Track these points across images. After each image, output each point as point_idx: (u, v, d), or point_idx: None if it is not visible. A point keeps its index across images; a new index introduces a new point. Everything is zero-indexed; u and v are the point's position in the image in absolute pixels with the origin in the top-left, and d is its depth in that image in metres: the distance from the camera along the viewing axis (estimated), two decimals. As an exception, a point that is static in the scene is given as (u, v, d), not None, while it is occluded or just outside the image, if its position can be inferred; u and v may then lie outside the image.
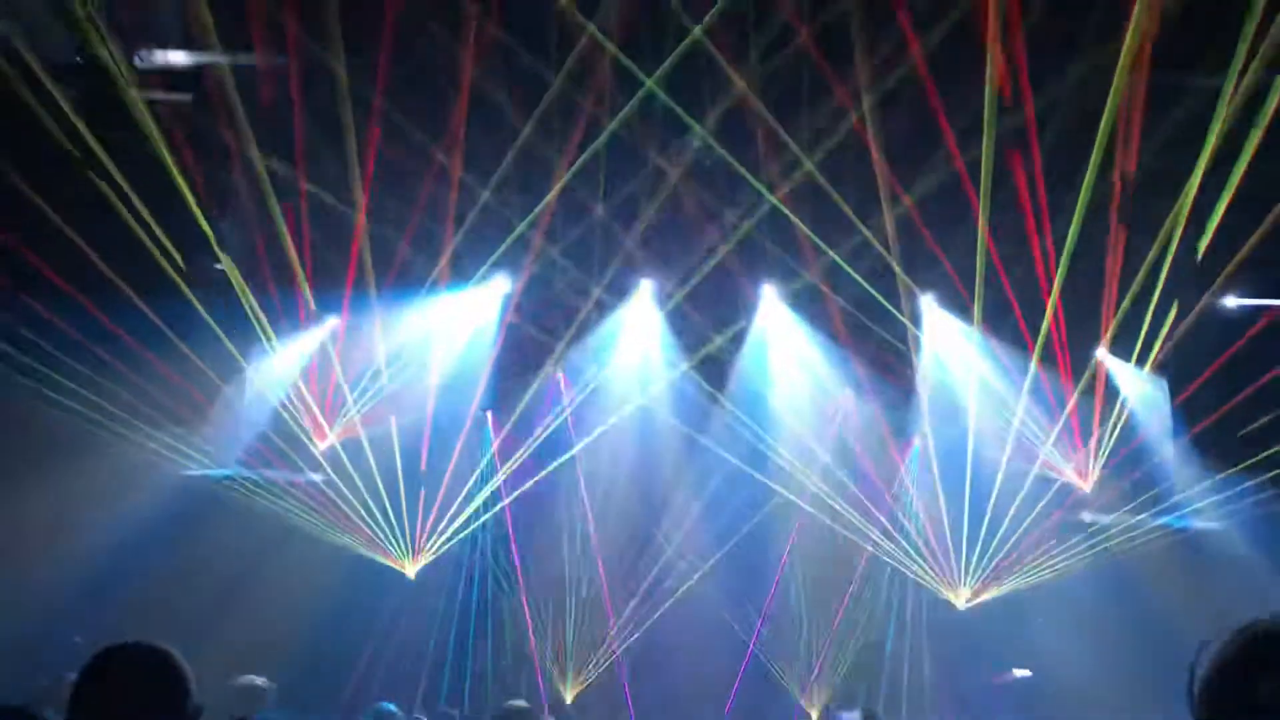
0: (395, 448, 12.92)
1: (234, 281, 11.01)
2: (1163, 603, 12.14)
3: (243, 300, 11.10)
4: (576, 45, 9.52)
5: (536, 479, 13.60)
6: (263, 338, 11.71)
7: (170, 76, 10.12)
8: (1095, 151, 9.40)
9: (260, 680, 7.12)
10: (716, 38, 9.36)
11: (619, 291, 12.86)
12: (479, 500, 13.52)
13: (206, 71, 10.11)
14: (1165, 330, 11.30)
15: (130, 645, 3.22)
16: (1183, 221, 9.86)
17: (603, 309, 12.96)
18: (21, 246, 9.59)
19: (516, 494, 13.67)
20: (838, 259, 11.42)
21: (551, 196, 10.93)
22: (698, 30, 9.25)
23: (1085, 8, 8.83)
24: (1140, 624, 12.13)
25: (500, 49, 9.67)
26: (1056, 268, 10.90)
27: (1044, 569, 13.17)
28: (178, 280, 10.47)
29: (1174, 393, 12.27)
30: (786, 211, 10.95)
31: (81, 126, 9.07)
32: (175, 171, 9.80)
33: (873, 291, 11.90)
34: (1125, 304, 11.17)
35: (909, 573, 13.79)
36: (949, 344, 12.77)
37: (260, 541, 12.38)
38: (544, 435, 13.56)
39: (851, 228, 11.19)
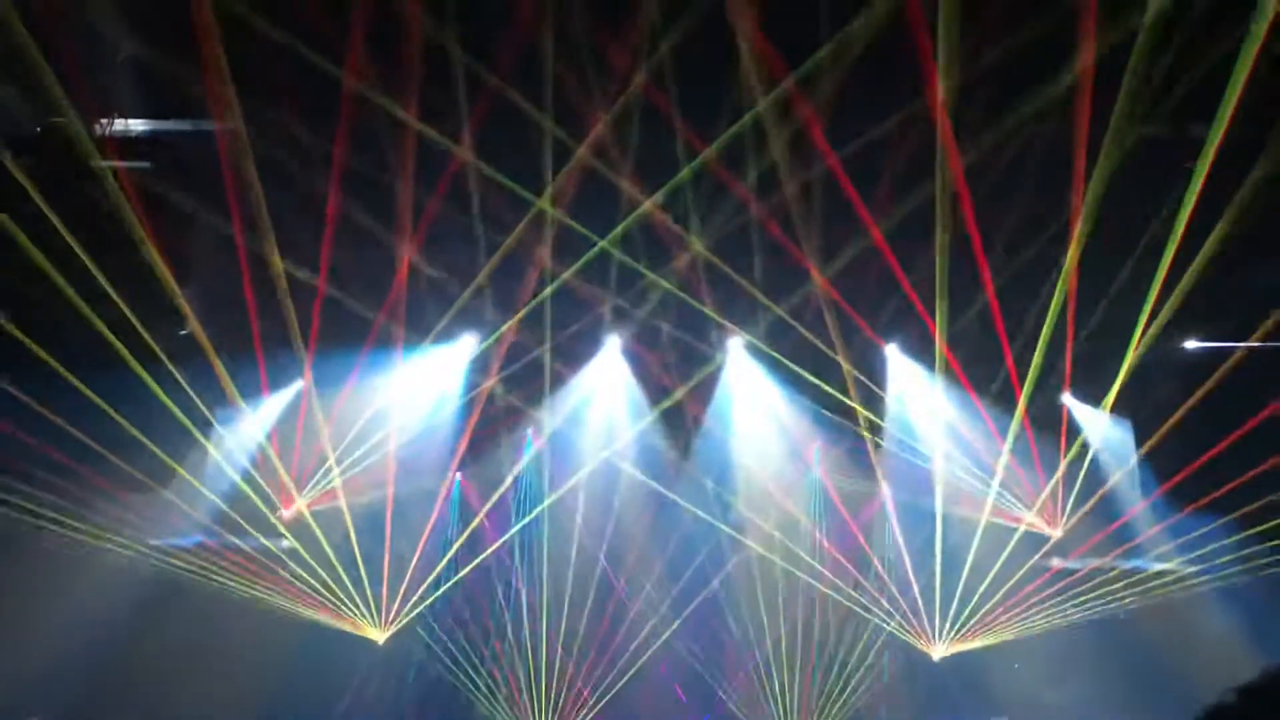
0: (349, 518, 12.81)
1: (200, 345, 10.96)
2: (1144, 650, 12.17)
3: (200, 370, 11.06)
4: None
5: (500, 542, 13.53)
6: (228, 403, 11.64)
7: (131, 144, 10.12)
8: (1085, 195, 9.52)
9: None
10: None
11: (587, 346, 12.91)
12: (445, 563, 13.42)
13: (168, 139, 10.13)
14: (1124, 374, 11.37)
15: None
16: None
17: (570, 365, 12.99)
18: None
19: (479, 560, 13.54)
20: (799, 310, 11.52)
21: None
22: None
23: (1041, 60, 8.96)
24: (1121, 670, 12.12)
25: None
26: (1004, 312, 11.03)
27: (1017, 617, 13.14)
28: (143, 345, 10.43)
29: (1138, 435, 12.34)
30: (733, 274, 11.09)
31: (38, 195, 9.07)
32: (137, 238, 9.78)
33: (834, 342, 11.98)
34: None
35: (885, 625, 13.72)
36: (913, 392, 12.83)
37: (225, 611, 12.21)
38: (513, 495, 13.53)
39: (808, 280, 11.29)
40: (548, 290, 11.41)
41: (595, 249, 10.74)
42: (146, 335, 10.57)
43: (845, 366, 12.16)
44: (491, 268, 11.15)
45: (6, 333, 9.84)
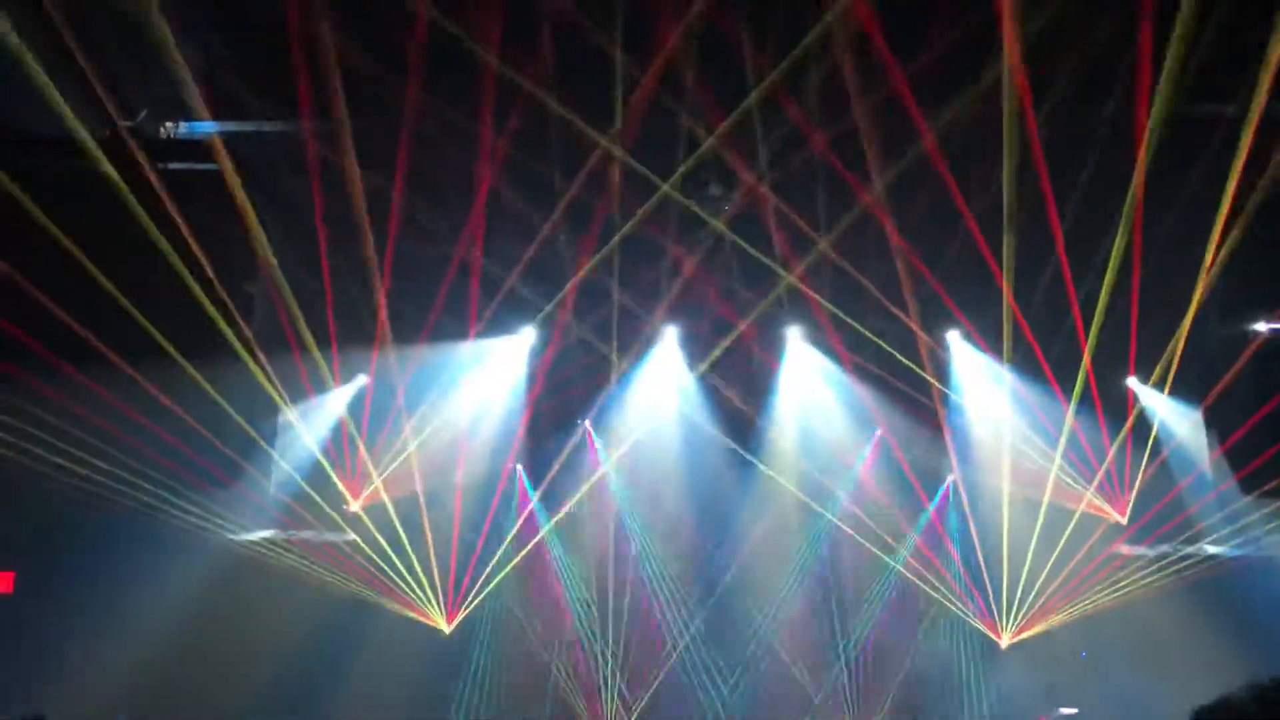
0: (423, 507, 12.94)
1: (265, 343, 11.09)
2: (1208, 636, 12.00)
3: (268, 366, 11.20)
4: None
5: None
6: (294, 399, 11.79)
7: (198, 147, 10.24)
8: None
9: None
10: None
11: (645, 340, 12.91)
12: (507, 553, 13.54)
13: (232, 141, 10.24)
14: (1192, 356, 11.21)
15: None
16: (1213, 249, 9.81)
17: (630, 359, 13.01)
18: (57, 310, 9.70)
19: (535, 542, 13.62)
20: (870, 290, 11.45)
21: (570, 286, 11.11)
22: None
23: (1107, 43, 8.83)
24: (1186, 657, 11.97)
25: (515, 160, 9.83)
26: (1078, 294, 10.89)
27: (1084, 605, 13.02)
28: (210, 343, 10.58)
29: (1208, 420, 12.15)
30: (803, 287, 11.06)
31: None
32: (203, 239, 9.91)
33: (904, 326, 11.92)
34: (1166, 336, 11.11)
35: (957, 611, 13.66)
36: (978, 380, 12.73)
37: (294, 605, 12.38)
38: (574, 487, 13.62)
39: (877, 265, 11.23)
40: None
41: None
42: (213, 332, 10.73)
43: (921, 340, 12.13)
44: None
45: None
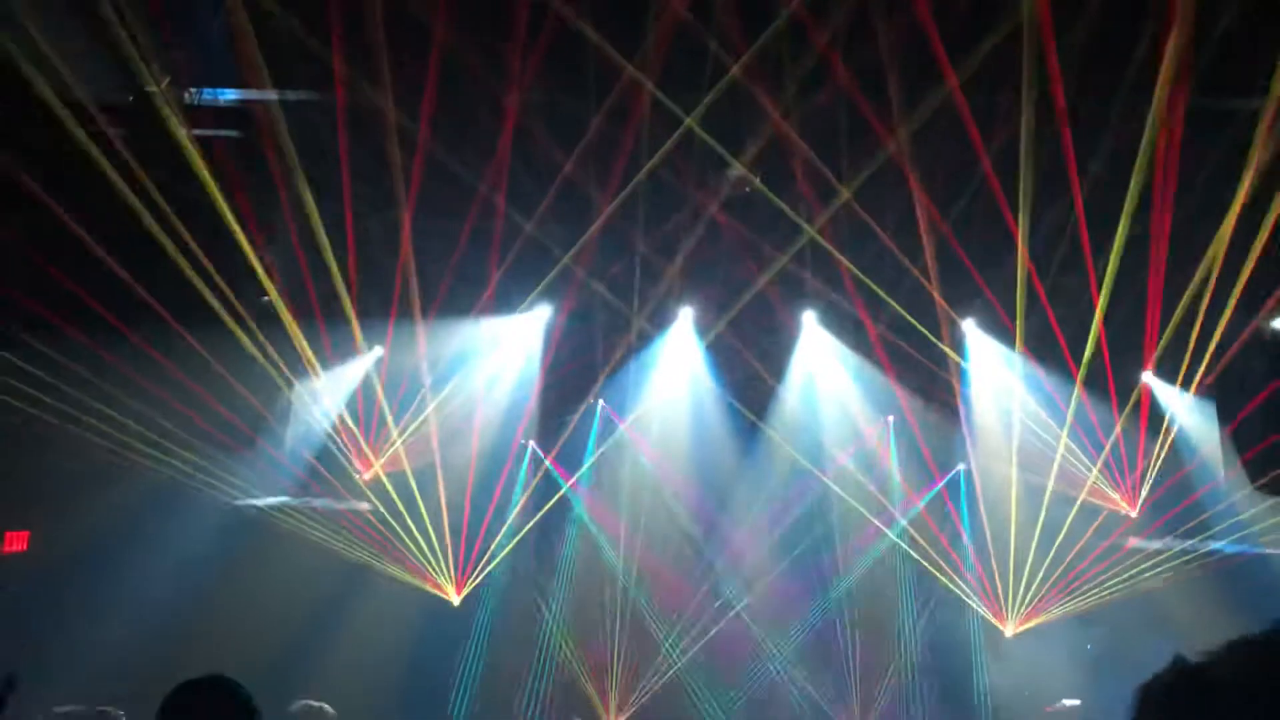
0: (440, 477, 13.03)
1: (280, 313, 11.18)
2: (1218, 628, 11.95)
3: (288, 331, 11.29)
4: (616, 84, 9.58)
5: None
6: (308, 368, 11.87)
7: (219, 113, 10.30)
8: (1136, 175, 9.37)
9: (320, 705, 7.17)
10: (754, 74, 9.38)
11: (659, 321, 12.93)
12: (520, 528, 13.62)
13: (254, 108, 10.29)
14: (1210, 353, 11.17)
15: (207, 680, 3.35)
16: (1225, 244, 9.78)
17: (644, 338, 13.03)
18: (69, 279, 9.79)
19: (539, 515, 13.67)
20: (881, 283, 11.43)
21: (594, 229, 11.01)
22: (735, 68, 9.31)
23: (1125, 36, 8.79)
24: (1196, 648, 11.93)
25: (541, 88, 9.76)
26: (1100, 291, 10.84)
27: (1092, 596, 13.02)
28: (224, 312, 10.67)
29: (1222, 416, 12.12)
30: (824, 243, 10.96)
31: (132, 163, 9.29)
32: (223, 205, 9.98)
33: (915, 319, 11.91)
34: (1170, 327, 11.05)
35: (965, 599, 13.69)
36: (992, 369, 12.73)
37: (307, 571, 12.49)
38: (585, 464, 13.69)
39: (890, 254, 11.21)
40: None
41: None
42: (230, 299, 10.83)
43: (944, 330, 12.14)
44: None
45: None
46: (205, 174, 9.66)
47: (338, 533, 12.93)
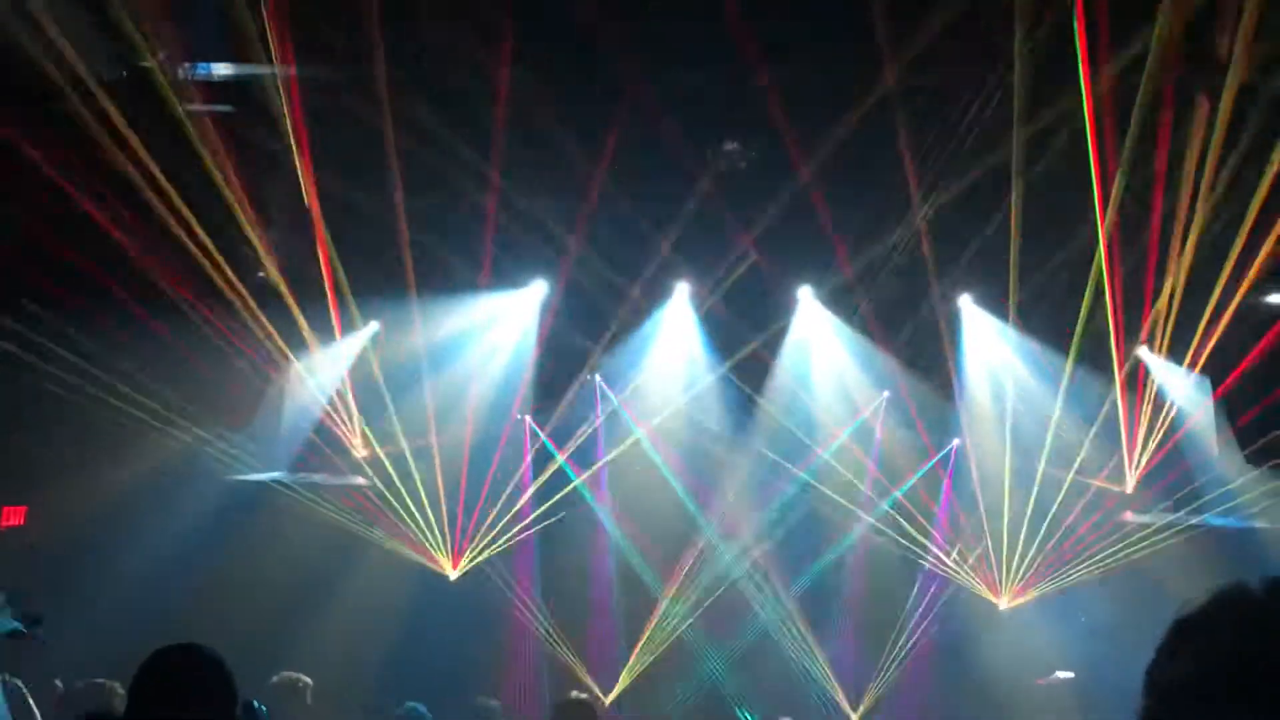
0: (435, 454, 13.07)
1: (278, 288, 11.20)
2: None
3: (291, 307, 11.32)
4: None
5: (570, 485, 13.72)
6: (305, 344, 11.91)
7: (214, 88, 10.27)
8: (1126, 150, 9.37)
9: (299, 676, 7.24)
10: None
11: (655, 295, 12.94)
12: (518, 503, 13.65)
13: (249, 83, 10.26)
14: (1202, 328, 11.19)
15: (182, 647, 3.38)
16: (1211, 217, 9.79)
17: (639, 313, 13.04)
18: (70, 251, 9.82)
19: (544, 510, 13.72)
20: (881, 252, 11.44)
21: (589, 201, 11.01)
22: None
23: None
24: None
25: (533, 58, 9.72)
26: (1092, 266, 10.87)
27: (1086, 570, 13.09)
28: (223, 286, 10.71)
29: (1216, 390, 12.15)
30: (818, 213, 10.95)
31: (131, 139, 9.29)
32: (220, 181, 9.99)
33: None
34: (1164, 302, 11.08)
35: (953, 573, 13.75)
36: (988, 344, 12.76)
37: (302, 546, 12.55)
38: (581, 439, 13.73)
39: (886, 227, 11.23)
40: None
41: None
42: (227, 275, 10.86)
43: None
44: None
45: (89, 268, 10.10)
46: (201, 150, 9.66)
47: (334, 508, 12.97)
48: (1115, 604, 12.81)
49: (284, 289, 11.32)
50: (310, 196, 10.61)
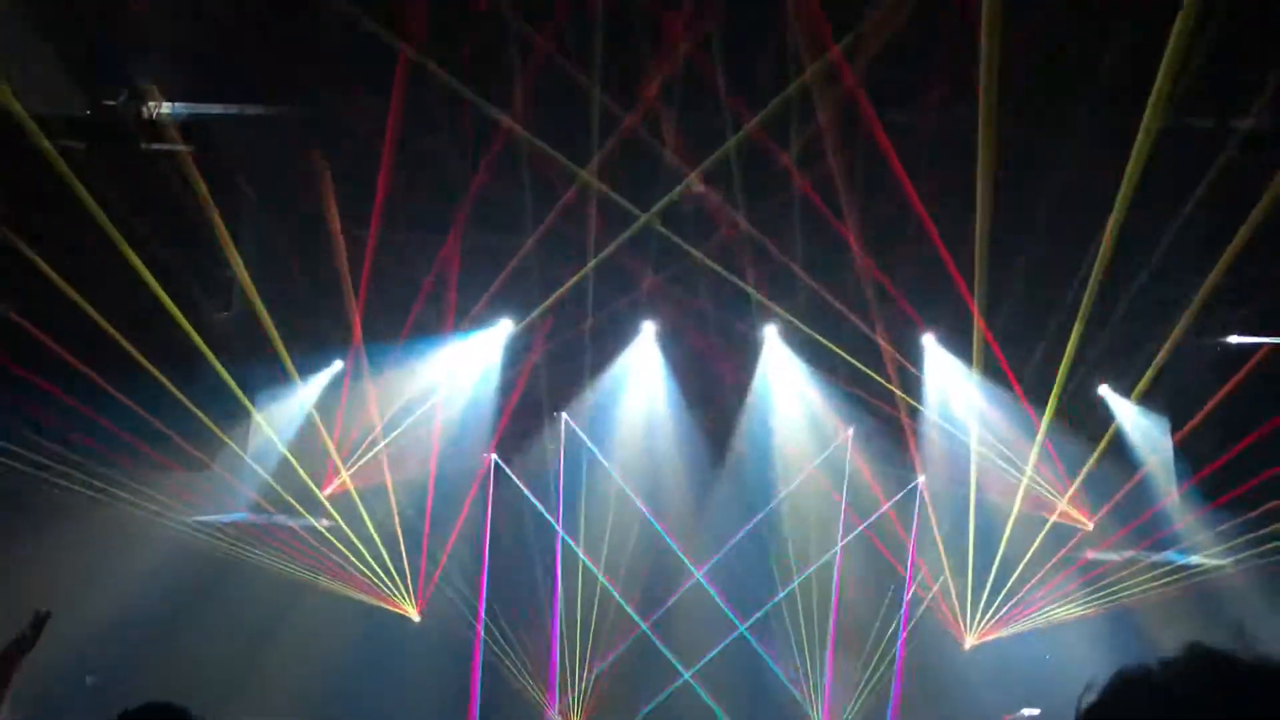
0: (391, 497, 12.96)
1: (238, 329, 11.08)
2: (1169, 640, 12.13)
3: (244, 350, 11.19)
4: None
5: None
6: (269, 384, 11.80)
7: (176, 127, 10.17)
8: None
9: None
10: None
11: (622, 335, 12.96)
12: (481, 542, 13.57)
13: (211, 123, 10.18)
14: (1159, 366, 11.31)
15: (148, 708, 3.31)
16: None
17: (606, 353, 13.05)
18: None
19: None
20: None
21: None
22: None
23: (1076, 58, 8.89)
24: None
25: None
26: (1053, 306, 10.98)
27: (1050, 608, 13.15)
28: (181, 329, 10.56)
29: (1175, 430, 12.28)
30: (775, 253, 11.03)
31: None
32: (181, 221, 9.87)
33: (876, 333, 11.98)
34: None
35: (916, 611, 13.77)
36: (950, 383, 12.84)
37: (267, 588, 12.39)
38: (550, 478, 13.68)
39: (850, 267, 11.30)
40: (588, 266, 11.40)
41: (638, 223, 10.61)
42: (188, 316, 10.71)
43: (885, 350, 12.22)
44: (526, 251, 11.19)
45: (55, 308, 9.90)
46: (162, 189, 9.56)
47: (296, 551, 12.81)
48: (1082, 642, 12.88)
49: (246, 330, 11.17)
50: (272, 238, 10.53)
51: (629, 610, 13.88)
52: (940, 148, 9.63)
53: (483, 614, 13.74)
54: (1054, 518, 12.87)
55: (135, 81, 9.70)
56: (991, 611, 13.36)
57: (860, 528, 13.86)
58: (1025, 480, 12.65)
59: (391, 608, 13.26)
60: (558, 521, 13.87)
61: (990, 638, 13.50)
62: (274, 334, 11.19)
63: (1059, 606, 13.18)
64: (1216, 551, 12.59)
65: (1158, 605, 12.84)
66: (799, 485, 13.73)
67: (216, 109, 10.01)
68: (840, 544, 13.84)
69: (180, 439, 11.15)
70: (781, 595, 13.96)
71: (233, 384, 11.13)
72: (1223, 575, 12.72)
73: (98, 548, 11.47)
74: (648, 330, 13.06)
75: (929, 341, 12.78)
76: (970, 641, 13.57)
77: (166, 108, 10.08)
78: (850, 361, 12.52)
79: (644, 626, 13.84)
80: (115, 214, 9.40)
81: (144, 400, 10.46)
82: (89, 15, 8.83)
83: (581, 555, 13.90)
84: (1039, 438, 12.14)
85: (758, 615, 13.93)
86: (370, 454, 12.70)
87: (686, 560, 13.96)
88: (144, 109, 10.00)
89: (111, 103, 9.53)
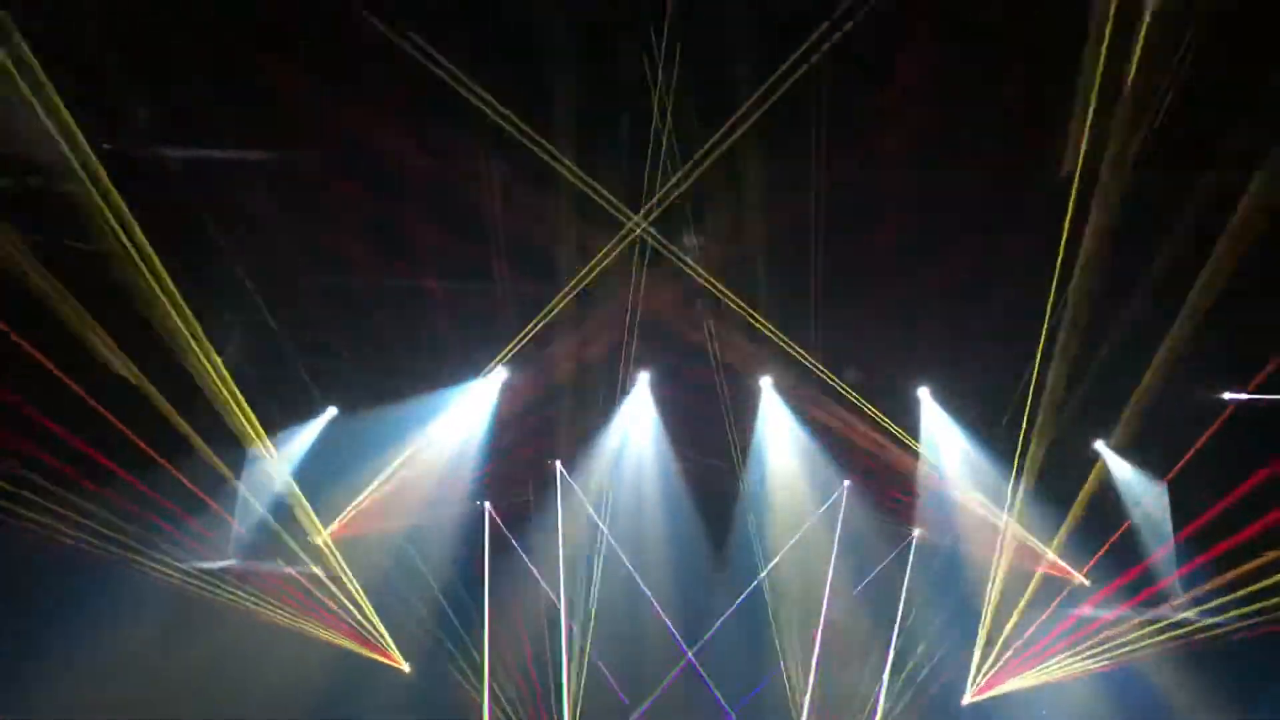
0: (382, 544, 12.93)
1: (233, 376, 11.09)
2: (1165, 697, 12.07)
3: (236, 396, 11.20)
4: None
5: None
6: (260, 431, 11.79)
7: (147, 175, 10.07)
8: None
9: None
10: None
11: (617, 385, 12.96)
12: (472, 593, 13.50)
13: (186, 168, 10.10)
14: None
15: None
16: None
17: (601, 403, 13.05)
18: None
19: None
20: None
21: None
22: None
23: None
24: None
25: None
26: (1050, 359, 10.94)
27: (1044, 664, 13.02)
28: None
29: (1170, 486, 12.23)
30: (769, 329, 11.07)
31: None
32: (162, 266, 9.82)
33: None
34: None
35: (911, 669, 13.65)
36: (944, 437, 12.81)
37: (250, 634, 12.31)
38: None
39: (846, 321, 11.30)
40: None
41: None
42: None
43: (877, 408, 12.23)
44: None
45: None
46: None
47: (288, 598, 12.75)
48: (1077, 697, 12.77)
49: (242, 378, 11.18)
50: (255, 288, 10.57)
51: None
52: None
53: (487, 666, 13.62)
54: (1040, 572, 12.76)
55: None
56: (987, 668, 13.22)
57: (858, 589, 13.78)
58: (1011, 533, 12.57)
59: (382, 659, 13.15)
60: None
61: (986, 695, 13.34)
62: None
63: (1055, 662, 13.03)
64: (1211, 607, 12.47)
65: (1156, 661, 12.72)
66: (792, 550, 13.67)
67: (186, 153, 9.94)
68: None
69: (162, 485, 11.16)
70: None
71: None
72: (1216, 631, 12.59)
73: (78, 593, 11.41)
74: (642, 380, 13.06)
75: (924, 395, 12.77)
76: (968, 698, 13.41)
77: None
78: (846, 415, 12.50)
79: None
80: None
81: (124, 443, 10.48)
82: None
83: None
84: (1022, 490, 12.07)
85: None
86: (359, 501, 12.67)
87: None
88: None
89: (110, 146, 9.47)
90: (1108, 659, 12.83)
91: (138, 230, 9.24)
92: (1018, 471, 11.97)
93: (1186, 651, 12.57)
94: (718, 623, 13.85)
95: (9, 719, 10.66)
